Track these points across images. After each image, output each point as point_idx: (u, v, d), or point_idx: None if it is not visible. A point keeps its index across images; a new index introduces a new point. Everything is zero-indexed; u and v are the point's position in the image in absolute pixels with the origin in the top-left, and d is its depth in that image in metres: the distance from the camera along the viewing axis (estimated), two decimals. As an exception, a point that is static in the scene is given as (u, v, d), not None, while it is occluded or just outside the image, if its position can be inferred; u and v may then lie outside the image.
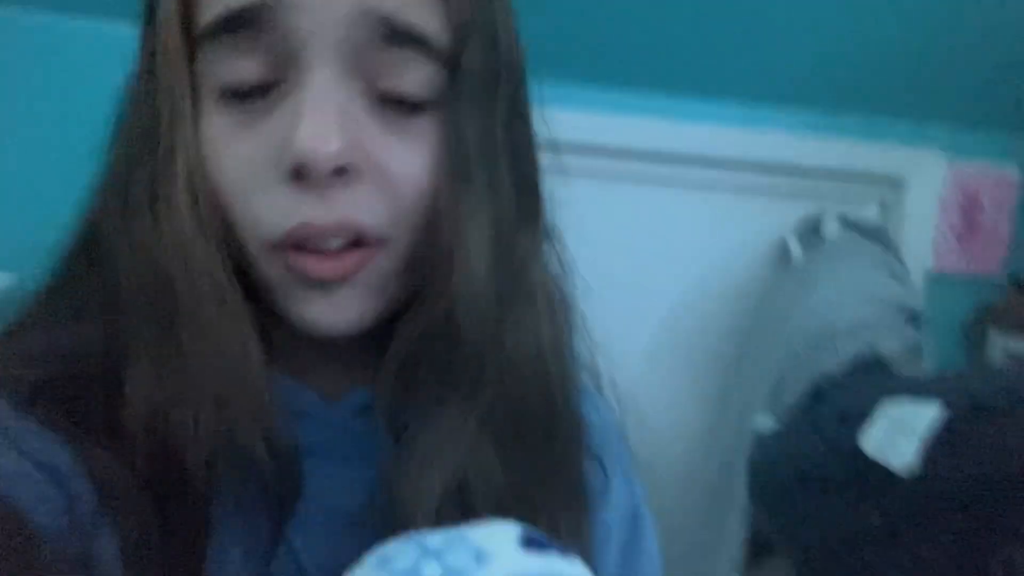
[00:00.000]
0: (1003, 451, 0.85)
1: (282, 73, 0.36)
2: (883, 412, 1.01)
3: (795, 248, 1.71)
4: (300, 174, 0.35)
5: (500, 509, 0.38)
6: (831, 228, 1.68)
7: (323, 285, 0.38)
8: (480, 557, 0.28)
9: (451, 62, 0.38)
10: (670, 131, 1.63)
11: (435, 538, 0.30)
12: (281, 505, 0.39)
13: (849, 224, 1.68)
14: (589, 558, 0.43)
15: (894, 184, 1.76)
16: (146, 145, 0.37)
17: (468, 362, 0.39)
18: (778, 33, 1.54)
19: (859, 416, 1.09)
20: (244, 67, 0.35)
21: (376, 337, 0.42)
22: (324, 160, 0.34)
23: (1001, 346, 1.73)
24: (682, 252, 1.75)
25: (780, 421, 1.38)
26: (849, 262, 1.59)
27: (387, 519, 0.39)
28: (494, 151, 0.40)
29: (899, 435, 0.94)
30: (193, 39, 0.36)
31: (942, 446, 0.90)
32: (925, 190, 1.76)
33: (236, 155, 0.36)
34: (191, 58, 0.37)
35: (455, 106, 0.38)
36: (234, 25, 0.35)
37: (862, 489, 0.95)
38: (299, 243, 0.37)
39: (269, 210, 0.36)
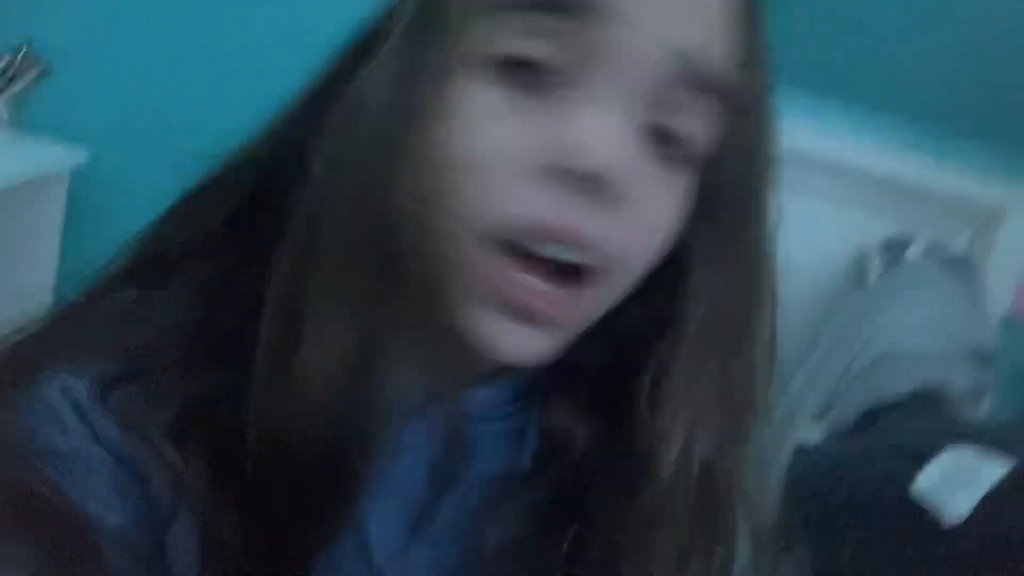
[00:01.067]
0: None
1: (570, 67, 0.33)
2: (944, 456, 0.99)
3: (875, 265, 1.66)
4: (556, 169, 0.32)
5: None
6: (916, 251, 1.63)
7: (522, 316, 0.34)
8: None
9: (732, 117, 0.36)
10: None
11: None
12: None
13: (937, 251, 1.62)
14: None
15: (990, 216, 1.69)
16: (399, 102, 0.34)
17: None
18: (900, 40, 1.48)
19: (912, 456, 1.07)
20: (533, 44, 0.33)
21: None
22: (595, 167, 0.32)
23: (1067, 403, 1.68)
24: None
25: (827, 438, 1.37)
26: (928, 290, 1.54)
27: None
28: (761, 237, 0.39)
29: (958, 485, 0.92)
30: (477, 6, 0.34)
31: (1003, 501, 0.88)
32: (1021, 226, 1.68)
33: (490, 132, 0.33)
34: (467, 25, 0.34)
35: (726, 163, 0.36)
36: (540, 6, 0.33)
37: (907, 536, 0.93)
38: (521, 244, 0.33)
39: (499, 193, 0.33)
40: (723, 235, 0.37)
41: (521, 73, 0.33)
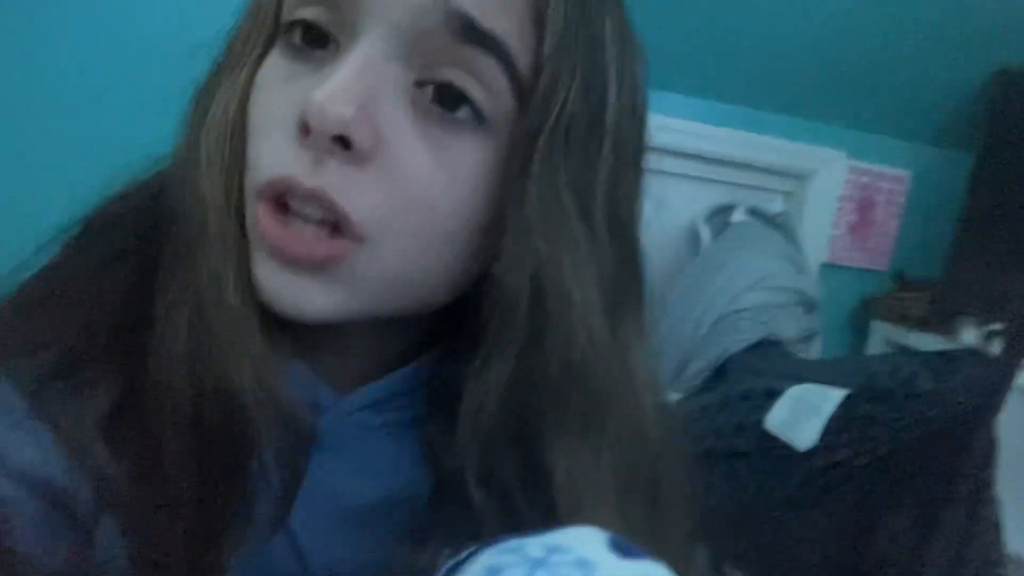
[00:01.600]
0: (894, 430, 0.94)
1: (341, 32, 0.35)
2: (789, 394, 1.09)
3: (704, 233, 1.79)
4: (305, 129, 0.33)
5: None
6: (739, 215, 1.78)
7: (287, 264, 0.35)
8: (582, 565, 0.27)
9: (526, 89, 0.35)
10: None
11: (534, 547, 0.28)
12: (284, 490, 0.37)
13: (756, 213, 1.78)
14: None
15: (800, 179, 1.87)
16: (215, 78, 0.37)
17: (593, 402, 0.37)
18: (702, 28, 1.60)
19: (763, 395, 1.17)
20: (310, 11, 0.35)
21: (386, 333, 0.42)
22: (328, 120, 0.32)
23: (882, 335, 1.88)
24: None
25: (685, 397, 1.46)
26: (753, 249, 1.68)
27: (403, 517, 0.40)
28: (583, 200, 0.37)
29: (803, 415, 1.02)
30: None
31: (841, 425, 0.99)
32: (827, 186, 1.87)
33: (269, 99, 0.35)
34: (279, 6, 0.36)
35: (531, 138, 0.35)
36: None
37: (767, 462, 1.02)
38: (277, 198, 0.34)
39: (266, 155, 0.35)
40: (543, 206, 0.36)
41: (305, 42, 0.35)
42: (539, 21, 0.35)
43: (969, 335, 1.63)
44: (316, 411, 0.40)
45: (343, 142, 0.33)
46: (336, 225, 0.34)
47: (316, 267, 0.35)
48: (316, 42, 0.35)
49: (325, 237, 0.34)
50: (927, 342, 1.70)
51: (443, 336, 0.44)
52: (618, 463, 0.38)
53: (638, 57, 0.40)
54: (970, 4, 1.57)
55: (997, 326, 1.53)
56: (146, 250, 0.37)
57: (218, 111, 0.36)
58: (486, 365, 0.38)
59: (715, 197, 1.83)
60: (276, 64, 0.36)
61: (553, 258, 0.36)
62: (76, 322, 0.36)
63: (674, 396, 1.50)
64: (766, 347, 1.50)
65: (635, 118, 0.40)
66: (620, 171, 0.39)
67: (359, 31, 0.34)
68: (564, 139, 0.36)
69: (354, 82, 0.33)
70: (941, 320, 1.74)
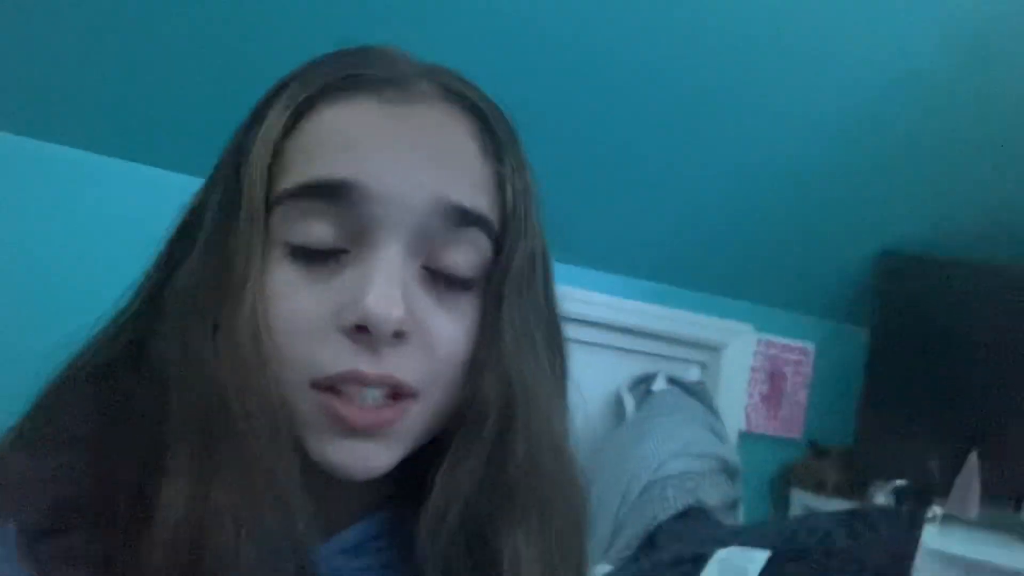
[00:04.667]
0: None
1: (352, 242, 0.41)
2: (716, 558, 1.11)
3: (628, 401, 1.85)
4: (363, 331, 0.39)
5: None
6: (660, 384, 1.85)
7: (356, 433, 0.40)
8: None
9: (498, 246, 0.44)
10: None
11: None
12: None
13: (676, 382, 1.86)
14: None
15: (713, 350, 1.98)
16: (214, 283, 0.40)
17: (541, 492, 0.44)
18: (625, 209, 1.75)
19: (691, 561, 1.18)
20: (317, 230, 0.40)
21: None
22: (388, 324, 0.39)
23: (801, 503, 1.93)
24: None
25: (616, 569, 1.45)
26: (675, 416, 1.74)
27: None
28: (532, 321, 0.45)
29: (731, 576, 1.04)
30: (272, 197, 0.41)
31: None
32: (738, 358, 1.99)
33: (298, 303, 0.40)
34: (267, 213, 0.41)
35: (500, 284, 0.44)
36: (313, 193, 0.40)
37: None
38: (340, 388, 0.40)
39: (324, 353, 0.40)
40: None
41: (315, 256, 0.41)
42: (500, 186, 0.45)
43: (881, 498, 1.70)
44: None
45: (398, 334, 0.40)
46: (395, 394, 0.41)
47: (383, 431, 0.41)
48: (328, 252, 0.41)
49: (389, 404, 0.41)
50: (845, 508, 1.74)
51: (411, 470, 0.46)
52: (555, 543, 0.45)
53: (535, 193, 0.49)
54: (857, 188, 1.77)
55: (902, 482, 1.60)
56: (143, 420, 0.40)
57: (238, 321, 0.40)
58: (454, 469, 0.43)
59: (636, 367, 1.91)
60: (289, 272, 0.41)
61: (523, 372, 0.44)
62: (70, 474, 0.39)
63: (605, 567, 1.48)
64: (693, 514, 1.52)
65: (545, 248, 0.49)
66: (548, 297, 0.48)
67: (376, 238, 0.40)
68: (521, 276, 0.44)
69: (395, 284, 0.40)
70: (856, 486, 1.80)
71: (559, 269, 0.49)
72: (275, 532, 0.38)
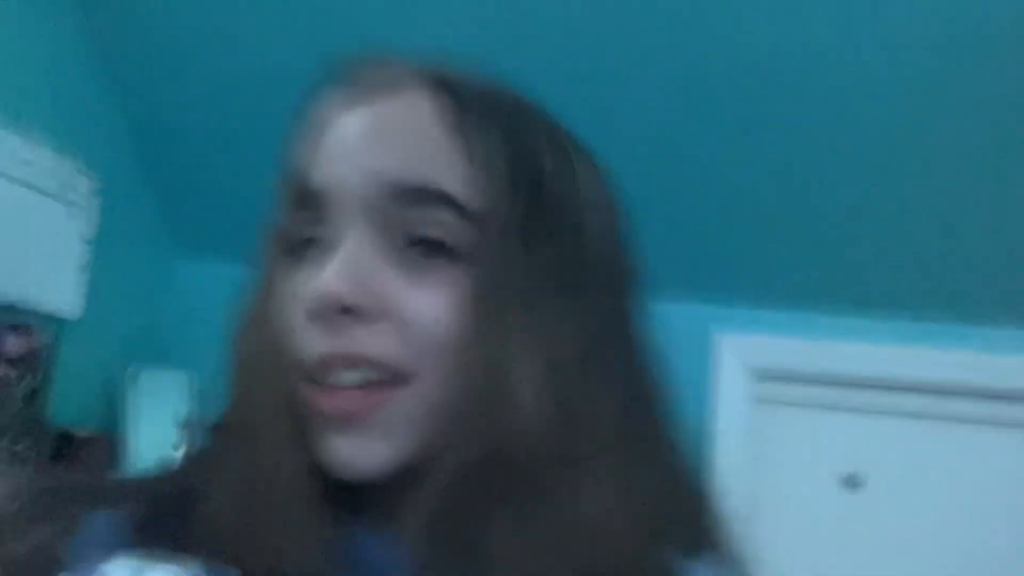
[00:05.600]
0: None
1: (323, 235, 0.43)
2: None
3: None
4: (313, 315, 0.40)
5: None
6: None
7: (343, 425, 0.40)
8: None
9: (480, 218, 0.41)
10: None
11: None
12: None
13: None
14: None
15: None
16: (252, 291, 0.47)
17: (526, 498, 0.39)
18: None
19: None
20: (295, 230, 0.44)
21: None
22: (330, 299, 0.39)
23: None
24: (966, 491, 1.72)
25: None
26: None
27: None
28: (540, 304, 0.41)
29: None
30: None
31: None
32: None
33: (282, 299, 0.43)
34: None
35: (485, 255, 0.41)
36: (297, 201, 0.44)
37: None
38: (320, 379, 0.41)
39: (303, 343, 0.41)
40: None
41: (302, 246, 0.43)
42: (475, 158, 0.42)
43: None
44: (370, 567, 0.43)
45: (350, 312, 0.39)
46: (378, 382, 0.40)
47: (367, 416, 0.40)
48: (308, 244, 0.44)
49: (372, 392, 0.40)
50: None
51: None
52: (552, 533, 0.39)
53: (585, 160, 0.47)
54: None
55: None
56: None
57: (248, 321, 0.46)
58: (445, 455, 0.40)
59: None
60: (281, 267, 0.45)
61: (504, 348, 0.40)
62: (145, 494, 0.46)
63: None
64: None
65: (592, 212, 0.45)
66: (586, 262, 0.44)
67: (339, 227, 0.42)
68: (506, 246, 0.41)
69: (339, 266, 0.40)
70: None
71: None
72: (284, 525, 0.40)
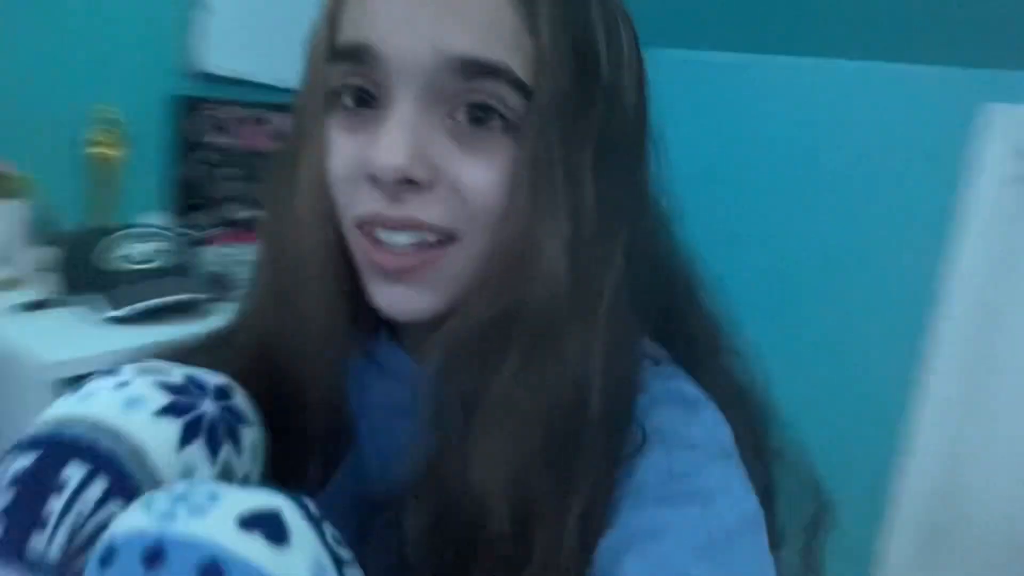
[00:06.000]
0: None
1: (379, 96, 0.44)
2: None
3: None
4: (374, 180, 0.43)
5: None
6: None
7: (391, 277, 0.45)
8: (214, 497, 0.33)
9: (537, 92, 0.42)
10: None
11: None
12: (330, 454, 0.50)
13: None
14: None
15: None
16: (294, 141, 0.49)
17: (527, 350, 0.43)
18: None
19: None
20: (351, 89, 0.45)
21: None
22: (389, 172, 0.42)
23: None
24: None
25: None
26: None
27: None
28: (576, 173, 0.43)
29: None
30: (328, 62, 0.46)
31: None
32: None
33: (340, 152, 0.46)
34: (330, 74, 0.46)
35: (537, 129, 0.43)
36: (342, 56, 0.44)
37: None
38: (373, 230, 0.45)
39: (356, 197, 0.45)
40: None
41: (356, 104, 0.45)
42: (533, 30, 0.42)
43: None
44: (399, 379, 0.53)
45: (408, 182, 0.43)
46: (432, 241, 0.44)
47: (418, 274, 0.45)
48: (363, 102, 0.45)
49: (424, 251, 0.44)
50: None
51: None
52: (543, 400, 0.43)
53: (627, 28, 0.47)
54: None
55: None
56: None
57: (308, 172, 0.47)
58: (469, 304, 0.45)
59: None
60: (337, 125, 0.46)
61: (540, 219, 0.43)
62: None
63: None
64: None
65: (627, 82, 0.47)
66: (616, 132, 0.45)
67: (393, 94, 0.43)
68: (559, 118, 0.43)
69: (399, 137, 0.42)
70: None
71: None
72: (314, 364, 0.48)
